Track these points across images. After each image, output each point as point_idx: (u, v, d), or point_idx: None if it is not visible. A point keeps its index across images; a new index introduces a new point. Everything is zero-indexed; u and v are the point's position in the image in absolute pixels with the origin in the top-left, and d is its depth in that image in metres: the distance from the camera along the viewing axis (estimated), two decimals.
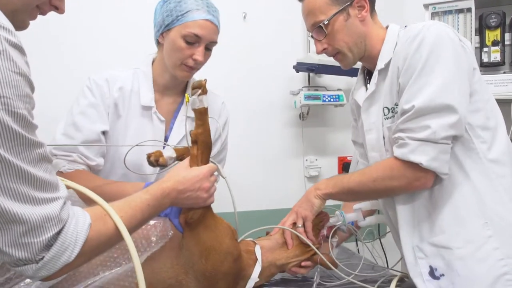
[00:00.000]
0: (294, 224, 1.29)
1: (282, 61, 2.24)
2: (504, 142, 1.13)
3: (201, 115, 1.07)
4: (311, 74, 2.30)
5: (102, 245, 0.79)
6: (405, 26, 1.21)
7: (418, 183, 1.10)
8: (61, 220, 0.69)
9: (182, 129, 1.42)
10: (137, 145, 1.25)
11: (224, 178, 1.21)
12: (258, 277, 1.18)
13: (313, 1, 1.21)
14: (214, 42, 1.38)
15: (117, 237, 0.79)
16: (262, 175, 2.30)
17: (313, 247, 1.25)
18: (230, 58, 2.20)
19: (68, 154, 1.34)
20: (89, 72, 1.44)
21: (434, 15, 2.11)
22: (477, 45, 2.02)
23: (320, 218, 1.31)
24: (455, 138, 1.08)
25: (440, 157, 1.05)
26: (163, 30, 1.36)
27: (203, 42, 1.33)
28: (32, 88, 0.67)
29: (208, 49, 1.38)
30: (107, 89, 1.39)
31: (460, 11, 2.04)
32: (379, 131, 1.22)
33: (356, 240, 2.14)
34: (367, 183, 1.16)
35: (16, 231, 0.64)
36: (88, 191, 0.87)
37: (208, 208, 1.10)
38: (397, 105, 1.14)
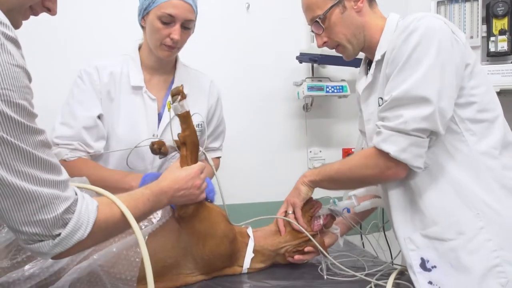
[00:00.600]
0: (286, 212, 1.33)
1: (285, 52, 2.22)
2: (499, 135, 1.11)
3: (185, 118, 1.15)
4: (315, 65, 2.29)
5: (110, 228, 0.84)
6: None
7: (390, 172, 1.10)
8: (67, 198, 0.74)
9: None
10: (135, 147, 1.32)
11: (211, 166, 1.29)
12: (254, 252, 1.28)
13: None
14: (190, 21, 1.42)
15: (123, 223, 0.85)
16: (266, 167, 2.29)
17: (305, 231, 1.28)
18: (233, 49, 2.21)
19: (69, 142, 1.39)
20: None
21: (440, 4, 2.08)
22: (484, 35, 1.98)
23: (311, 205, 1.34)
24: (433, 134, 1.06)
25: (410, 149, 1.04)
26: (143, 14, 1.43)
27: (178, 21, 1.38)
28: (30, 79, 0.70)
29: (186, 27, 1.42)
30: (97, 76, 1.45)
31: None
32: (375, 121, 1.21)
33: (361, 234, 2.13)
34: (345, 171, 1.20)
35: (29, 209, 0.69)
36: (94, 187, 0.95)
37: (200, 202, 1.16)
38: None
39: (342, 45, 1.25)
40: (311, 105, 2.32)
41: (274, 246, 1.32)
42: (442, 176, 1.10)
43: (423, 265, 1.11)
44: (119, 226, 0.86)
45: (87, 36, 1.97)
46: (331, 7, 1.19)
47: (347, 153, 2.41)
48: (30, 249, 0.75)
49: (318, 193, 1.35)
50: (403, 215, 1.17)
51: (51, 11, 0.84)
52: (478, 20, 1.98)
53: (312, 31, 1.27)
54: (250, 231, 1.33)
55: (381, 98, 1.18)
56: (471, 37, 2.01)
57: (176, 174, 1.08)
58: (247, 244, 1.30)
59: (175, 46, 1.43)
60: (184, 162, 1.14)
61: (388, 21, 1.22)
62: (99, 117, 1.43)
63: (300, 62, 2.18)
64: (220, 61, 2.17)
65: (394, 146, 1.05)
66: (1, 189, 0.66)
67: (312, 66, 2.28)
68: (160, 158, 1.35)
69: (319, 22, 1.21)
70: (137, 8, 1.46)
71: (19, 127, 0.66)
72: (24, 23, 0.82)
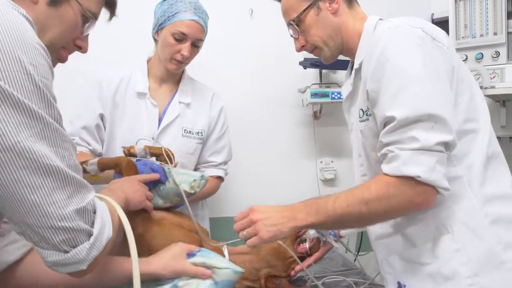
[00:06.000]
0: None
1: (290, 58, 2.10)
2: (483, 148, 0.98)
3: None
4: (323, 71, 2.16)
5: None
6: (381, 19, 1.11)
7: (419, 199, 0.90)
8: (90, 188, 0.72)
9: (174, 113, 1.63)
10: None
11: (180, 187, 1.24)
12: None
13: (286, 0, 1.19)
14: (200, 40, 1.57)
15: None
16: (272, 178, 2.20)
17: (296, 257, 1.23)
18: (238, 55, 2.16)
19: (72, 138, 1.53)
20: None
21: (458, 0, 1.88)
22: (511, 30, 1.77)
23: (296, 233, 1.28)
24: (447, 147, 0.91)
25: (438, 168, 0.88)
26: (158, 28, 1.57)
27: (189, 39, 1.53)
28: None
29: (195, 46, 1.57)
30: (106, 85, 1.60)
31: None
32: (357, 131, 1.14)
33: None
34: (359, 207, 0.94)
35: (63, 196, 0.65)
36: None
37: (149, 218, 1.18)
38: (369, 108, 1.04)
39: (318, 47, 1.19)
40: (320, 112, 2.20)
41: (252, 264, 1.24)
42: None
43: None
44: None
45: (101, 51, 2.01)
46: (305, 9, 1.15)
47: None
48: (65, 261, 0.68)
49: None
50: (381, 236, 1.09)
51: (82, 49, 0.88)
52: (502, 15, 1.77)
53: (291, 35, 1.22)
54: (225, 249, 1.24)
55: (362, 110, 1.09)
56: (495, 34, 1.81)
57: None
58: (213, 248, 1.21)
59: (184, 62, 1.57)
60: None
61: (366, 26, 1.12)
62: (101, 116, 1.59)
63: (304, 68, 2.07)
64: (225, 67, 2.13)
65: (421, 167, 0.87)
66: (39, 170, 0.63)
67: (320, 72, 2.16)
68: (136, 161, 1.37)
69: (294, 25, 1.17)
70: (152, 22, 1.60)
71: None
72: None
